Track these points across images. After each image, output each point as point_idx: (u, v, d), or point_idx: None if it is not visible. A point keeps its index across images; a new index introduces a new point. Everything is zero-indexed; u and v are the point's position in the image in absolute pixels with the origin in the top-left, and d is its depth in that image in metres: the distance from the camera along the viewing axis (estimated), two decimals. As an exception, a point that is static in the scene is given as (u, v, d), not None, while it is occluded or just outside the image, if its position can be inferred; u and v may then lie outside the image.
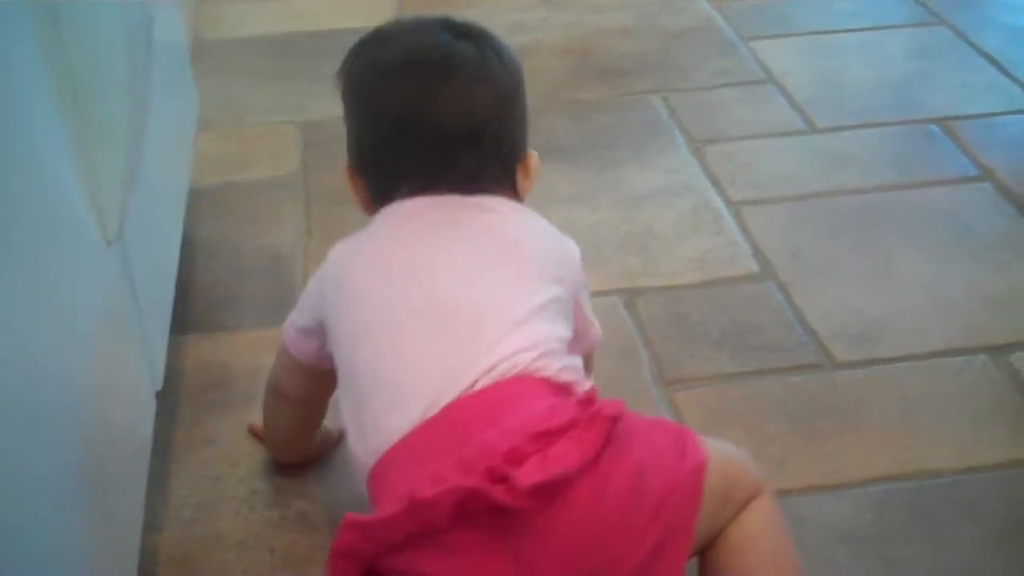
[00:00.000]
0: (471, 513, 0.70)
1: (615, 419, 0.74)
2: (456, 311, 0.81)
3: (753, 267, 1.28)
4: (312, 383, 0.94)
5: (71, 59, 0.71)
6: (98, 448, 0.75)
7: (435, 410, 0.77)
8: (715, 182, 1.43)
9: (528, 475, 0.70)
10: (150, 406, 0.92)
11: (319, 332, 0.88)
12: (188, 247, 1.33)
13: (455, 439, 0.74)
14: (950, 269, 1.26)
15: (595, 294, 1.22)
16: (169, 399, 1.10)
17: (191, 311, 1.24)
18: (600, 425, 0.73)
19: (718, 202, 1.39)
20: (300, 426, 1.00)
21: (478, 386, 0.77)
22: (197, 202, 1.41)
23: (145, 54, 0.80)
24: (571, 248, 0.90)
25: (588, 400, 0.76)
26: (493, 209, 0.88)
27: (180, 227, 1.18)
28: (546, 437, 0.72)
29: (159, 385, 0.94)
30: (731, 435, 1.04)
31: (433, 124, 0.86)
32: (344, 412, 0.84)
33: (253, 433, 1.07)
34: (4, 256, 0.61)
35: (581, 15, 1.90)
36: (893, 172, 1.44)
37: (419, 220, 0.86)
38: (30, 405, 0.62)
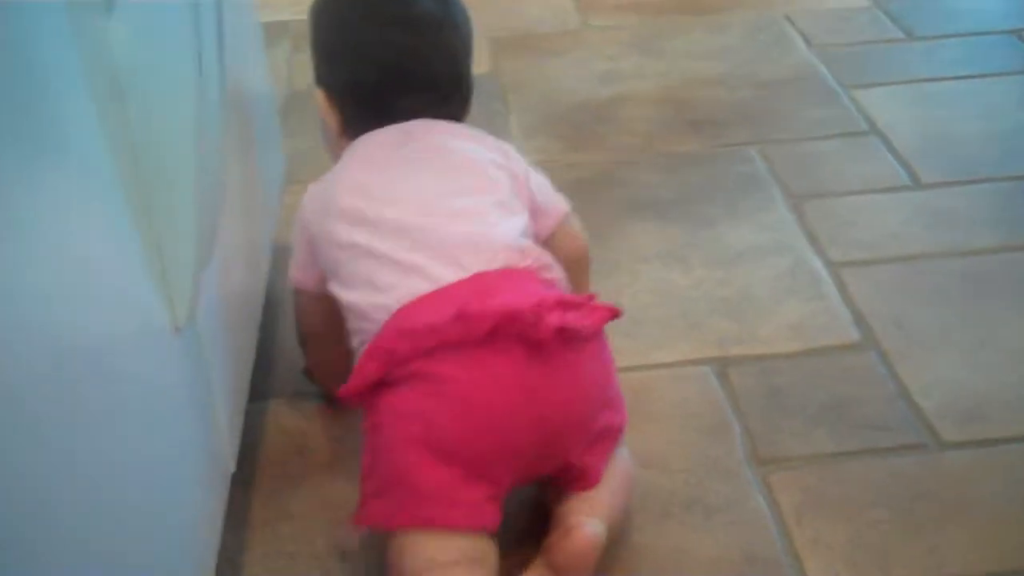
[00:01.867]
0: (502, 337, 0.85)
1: (616, 313, 0.93)
2: (456, 211, 0.96)
3: (854, 335, 1.22)
4: (328, 307, 1.00)
5: (137, 137, 0.69)
6: (164, 529, 0.73)
7: (456, 276, 0.91)
8: (814, 240, 1.38)
9: (555, 320, 0.86)
10: (222, 486, 0.90)
11: (307, 255, 1.01)
12: (272, 304, 1.32)
13: (484, 293, 0.89)
14: (1066, 340, 1.19)
15: (687, 363, 1.19)
16: (246, 469, 1.08)
17: (273, 374, 1.22)
18: (607, 310, 0.92)
19: (817, 263, 1.34)
20: (338, 349, 1.02)
21: (492, 266, 0.92)
22: (284, 257, 1.40)
23: (220, 124, 0.77)
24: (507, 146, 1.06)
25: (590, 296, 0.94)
26: (455, 133, 1.04)
27: (262, 295, 1.16)
28: (567, 304, 0.89)
29: (233, 467, 0.92)
30: (828, 521, 0.99)
31: (427, 71, 1.03)
32: (345, 289, 0.95)
33: (308, 374, 1.17)
34: (66, 343, 0.59)
35: (676, 63, 1.86)
36: (1003, 232, 1.37)
37: (397, 144, 1.01)
38: (101, 487, 0.60)
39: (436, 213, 0.96)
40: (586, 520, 0.89)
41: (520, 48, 1.94)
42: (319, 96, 1.06)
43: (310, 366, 1.17)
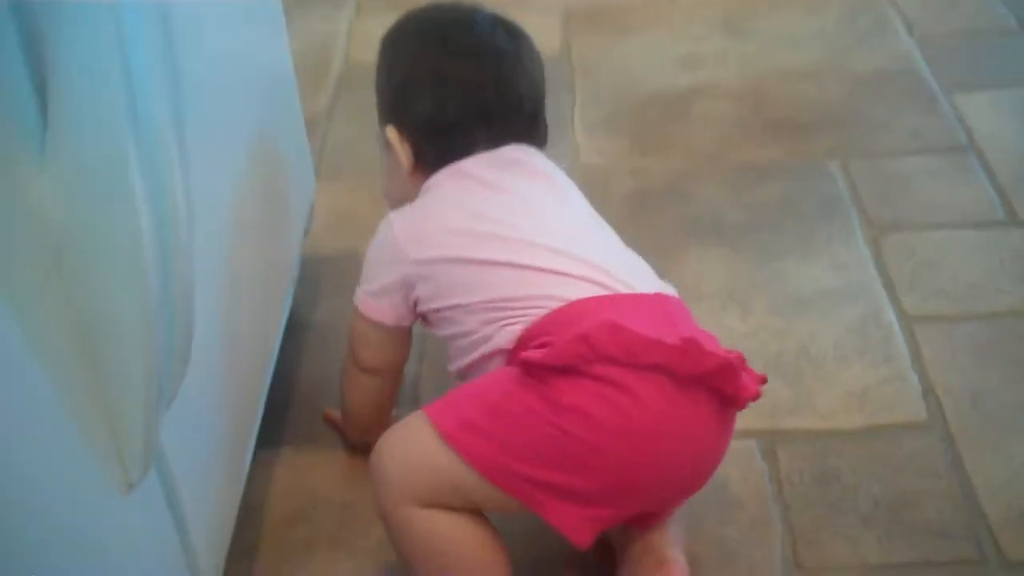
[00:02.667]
0: (682, 369, 0.84)
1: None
2: (592, 231, 1.00)
3: (921, 412, 1.11)
4: (393, 346, 1.03)
5: (77, 301, 0.61)
6: None
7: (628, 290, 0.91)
8: (890, 286, 1.25)
9: (753, 387, 0.88)
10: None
11: (396, 290, 0.97)
12: (300, 329, 1.25)
13: (674, 320, 0.89)
14: None
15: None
16: (249, 534, 1.02)
17: (289, 415, 1.16)
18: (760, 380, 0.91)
19: (890, 315, 1.22)
20: (383, 396, 1.07)
21: (652, 288, 0.94)
22: (316, 272, 1.33)
23: (186, 259, 0.68)
24: None
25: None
26: (547, 161, 1.04)
27: (269, 370, 1.08)
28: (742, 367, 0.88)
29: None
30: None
31: (509, 101, 1.01)
32: (478, 293, 0.92)
33: (329, 420, 1.13)
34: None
35: (763, 48, 1.71)
36: (1105, 288, 1.24)
37: (499, 170, 0.99)
38: None
39: (576, 232, 0.97)
40: (679, 555, 0.91)
41: (595, 22, 1.81)
42: (391, 133, 1.02)
43: (348, 406, 1.09)
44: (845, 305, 1.23)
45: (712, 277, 1.28)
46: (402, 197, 1.04)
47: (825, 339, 1.19)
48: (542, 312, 0.90)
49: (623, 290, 0.91)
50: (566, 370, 0.84)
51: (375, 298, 1.00)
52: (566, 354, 0.84)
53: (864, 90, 1.60)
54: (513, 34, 1.04)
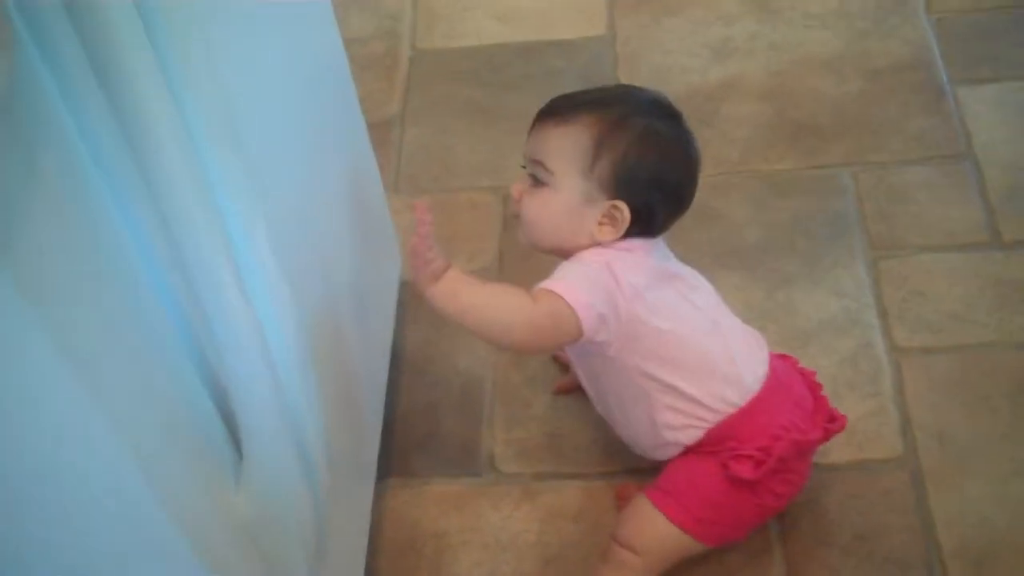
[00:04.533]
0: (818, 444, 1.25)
1: None
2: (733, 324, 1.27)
3: (898, 447, 1.37)
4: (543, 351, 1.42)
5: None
6: None
7: (765, 375, 1.22)
8: (884, 315, 1.49)
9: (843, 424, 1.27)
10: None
11: (606, 323, 1.15)
12: (395, 360, 1.49)
13: (785, 397, 1.22)
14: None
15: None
16: (370, 560, 1.31)
17: (393, 446, 1.43)
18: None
19: (881, 347, 1.46)
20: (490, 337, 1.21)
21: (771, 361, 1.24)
22: (408, 297, 1.56)
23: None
24: None
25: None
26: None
27: (381, 412, 1.35)
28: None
29: None
30: None
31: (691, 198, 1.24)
32: (680, 378, 1.19)
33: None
34: None
35: (791, 31, 1.88)
36: (1070, 320, 1.46)
37: (667, 255, 1.25)
38: None
39: (722, 316, 1.25)
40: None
41: (641, 6, 1.96)
42: (623, 208, 1.17)
43: (472, 310, 1.16)
44: (844, 337, 1.47)
45: (733, 306, 1.47)
46: (557, 245, 1.21)
47: (824, 373, 1.43)
48: (719, 417, 1.20)
49: (762, 372, 1.22)
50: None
51: (598, 318, 1.14)
52: (771, 469, 1.19)
53: (879, 85, 1.77)
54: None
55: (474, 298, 1.15)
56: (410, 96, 1.87)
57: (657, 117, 1.21)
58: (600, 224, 1.18)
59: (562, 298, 1.12)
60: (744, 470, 1.18)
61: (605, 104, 1.20)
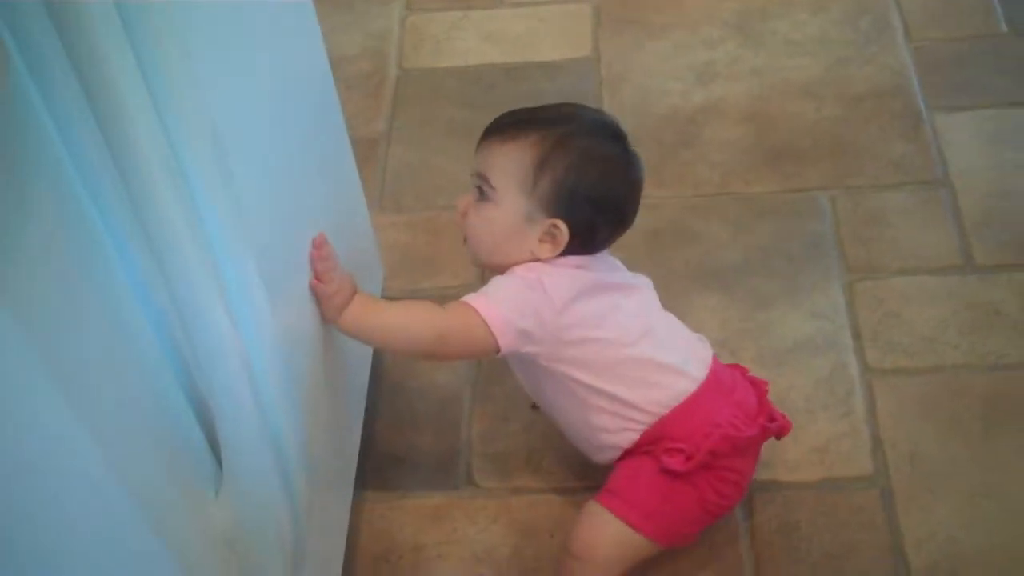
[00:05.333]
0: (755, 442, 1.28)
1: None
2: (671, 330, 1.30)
3: (868, 467, 1.39)
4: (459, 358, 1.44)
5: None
6: None
7: (703, 377, 1.25)
8: (858, 336, 1.52)
9: (785, 426, 1.30)
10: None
11: (530, 337, 1.19)
12: (375, 374, 1.51)
13: (724, 399, 1.25)
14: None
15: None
16: (346, 574, 1.34)
17: (371, 459, 1.45)
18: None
19: (855, 368, 1.48)
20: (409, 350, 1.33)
21: (712, 364, 1.27)
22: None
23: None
24: None
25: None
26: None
27: (360, 426, 1.37)
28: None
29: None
30: None
31: (633, 216, 1.27)
32: (610, 384, 1.22)
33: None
34: None
35: (772, 58, 1.91)
36: (1041, 342, 1.48)
37: (610, 267, 1.29)
38: None
39: (658, 321, 1.28)
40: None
41: (624, 20, 1.99)
42: (562, 227, 1.20)
43: (380, 331, 1.22)
44: (819, 357, 1.50)
45: (710, 326, 1.54)
46: (503, 259, 1.23)
47: (798, 392, 1.47)
48: (653, 419, 1.23)
49: (701, 374, 1.25)
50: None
51: (518, 334, 1.18)
52: (701, 463, 1.22)
53: (857, 111, 1.80)
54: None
55: (381, 319, 1.20)
56: (396, 115, 1.89)
57: (600, 138, 1.24)
58: (540, 242, 1.21)
59: (478, 313, 1.16)
60: (674, 463, 1.21)
61: (549, 123, 1.22)
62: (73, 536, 0.74)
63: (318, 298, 1.15)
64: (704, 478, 1.24)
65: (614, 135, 1.25)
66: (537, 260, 1.22)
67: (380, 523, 1.40)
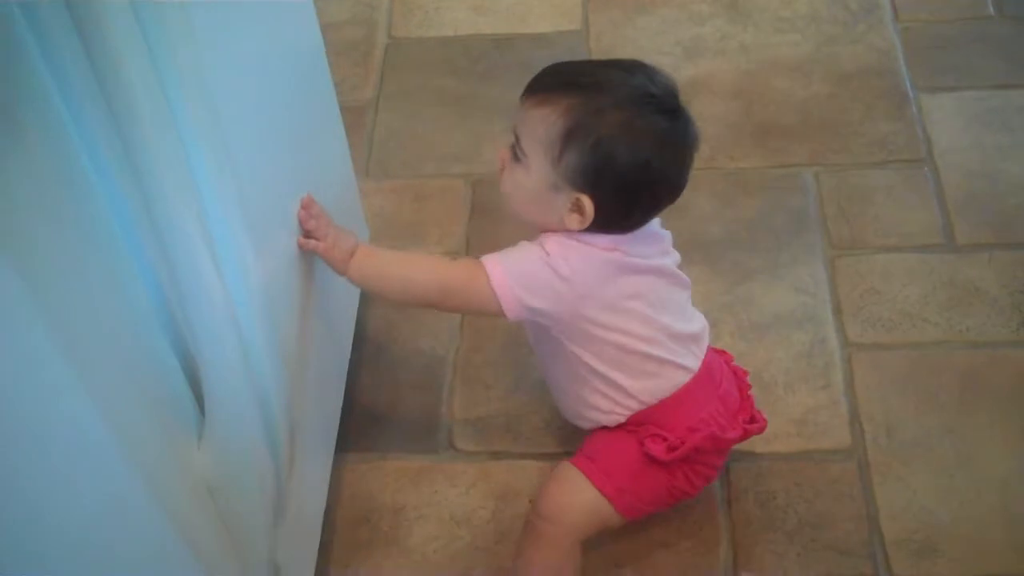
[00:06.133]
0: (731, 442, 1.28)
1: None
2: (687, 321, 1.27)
3: (846, 439, 1.40)
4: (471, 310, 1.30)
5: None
6: None
7: (697, 369, 1.25)
8: (838, 311, 1.53)
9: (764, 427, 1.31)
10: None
11: (542, 313, 1.17)
12: (359, 338, 1.52)
13: (711, 393, 1.25)
14: (1032, 467, 1.35)
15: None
16: (325, 532, 1.34)
17: (353, 420, 1.46)
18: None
19: (834, 342, 1.50)
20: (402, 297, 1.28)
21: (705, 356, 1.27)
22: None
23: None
24: None
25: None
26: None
27: (343, 388, 1.38)
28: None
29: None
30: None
31: (678, 193, 1.20)
32: (616, 372, 1.22)
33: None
34: None
35: (760, 34, 1.91)
36: (1017, 321, 1.50)
37: (649, 242, 1.23)
38: None
39: (678, 313, 1.26)
40: None
41: (615, 1, 2.00)
42: (586, 202, 1.13)
43: (390, 280, 1.23)
44: (799, 331, 1.51)
45: (693, 298, 1.52)
46: (531, 221, 1.19)
47: (778, 365, 1.48)
48: (644, 407, 1.24)
49: (695, 366, 1.25)
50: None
51: (529, 311, 1.16)
52: (682, 456, 1.22)
53: (844, 89, 1.81)
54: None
55: (387, 268, 1.21)
56: (384, 82, 1.89)
57: (644, 111, 1.12)
58: (569, 211, 1.14)
59: (490, 279, 1.15)
60: (658, 450, 1.21)
61: (589, 89, 1.12)
62: (59, 480, 0.75)
63: (320, 254, 1.17)
64: (681, 468, 1.24)
65: (665, 108, 1.14)
66: (567, 230, 1.16)
67: (361, 483, 1.40)
